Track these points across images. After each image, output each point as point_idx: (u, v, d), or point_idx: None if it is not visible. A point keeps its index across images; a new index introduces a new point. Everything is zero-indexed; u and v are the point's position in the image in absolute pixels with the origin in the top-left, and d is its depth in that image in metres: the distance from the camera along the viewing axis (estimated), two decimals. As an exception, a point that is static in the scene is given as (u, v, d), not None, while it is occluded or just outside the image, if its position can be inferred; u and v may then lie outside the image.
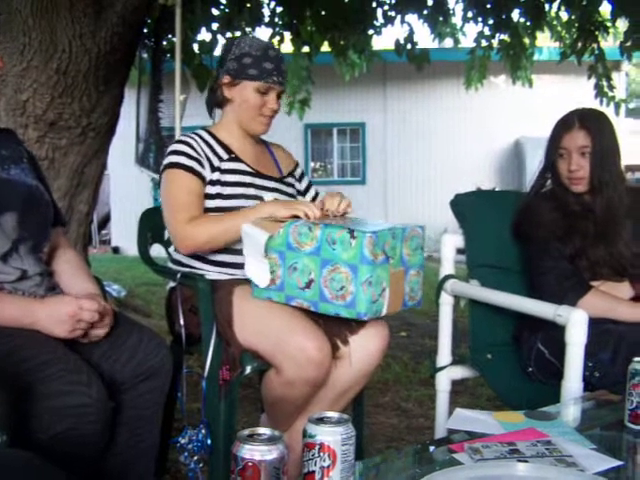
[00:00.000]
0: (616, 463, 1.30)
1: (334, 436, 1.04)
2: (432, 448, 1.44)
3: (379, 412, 3.22)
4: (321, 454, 1.03)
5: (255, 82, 2.14)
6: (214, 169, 2.17)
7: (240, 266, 2.07)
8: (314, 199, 2.40)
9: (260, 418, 2.28)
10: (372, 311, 1.82)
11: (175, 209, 2.11)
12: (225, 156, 2.21)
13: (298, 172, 2.43)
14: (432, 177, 12.48)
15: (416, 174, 12.50)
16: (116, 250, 12.64)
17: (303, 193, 2.41)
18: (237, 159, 2.22)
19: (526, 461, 1.23)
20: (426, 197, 12.21)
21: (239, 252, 2.04)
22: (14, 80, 3.19)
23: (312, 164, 13.28)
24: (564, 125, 2.28)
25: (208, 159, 2.17)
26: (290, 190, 2.32)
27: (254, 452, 0.97)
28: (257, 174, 2.23)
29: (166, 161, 2.17)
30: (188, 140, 2.19)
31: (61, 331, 1.58)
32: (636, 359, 1.53)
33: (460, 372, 2.48)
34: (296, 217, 1.96)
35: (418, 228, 1.97)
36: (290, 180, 2.36)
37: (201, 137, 2.21)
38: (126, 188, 11.77)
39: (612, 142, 2.27)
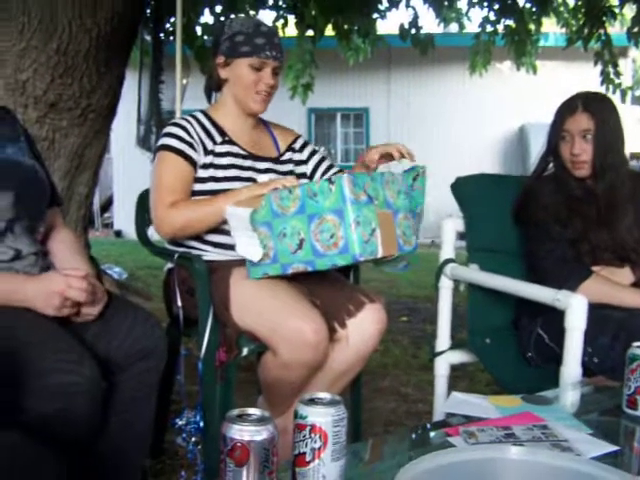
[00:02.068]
0: (612, 448, 1.29)
1: (325, 417, 1.02)
2: (428, 432, 1.43)
3: (378, 396, 3.21)
4: (312, 435, 1.02)
5: (248, 58, 2.12)
6: (207, 152, 2.15)
7: None
8: (326, 172, 2.36)
9: (257, 401, 2.27)
10: (367, 252, 1.78)
11: (159, 191, 2.10)
12: (219, 139, 2.19)
13: (298, 143, 2.38)
14: (435, 163, 12.36)
15: (419, 160, 12.40)
16: (118, 234, 12.63)
17: (306, 161, 2.36)
18: (231, 142, 2.20)
19: (521, 445, 1.22)
20: (429, 183, 12.14)
21: None
22: (13, 60, 3.17)
23: (315, 149, 13.24)
24: (567, 108, 2.25)
25: (202, 142, 2.15)
26: (287, 168, 2.29)
27: (243, 432, 0.95)
28: (250, 156, 2.21)
29: (159, 143, 2.17)
30: (183, 123, 2.18)
31: (49, 309, 1.56)
32: (635, 344, 1.52)
33: (459, 357, 2.46)
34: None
35: (397, 174, 1.96)
36: (288, 156, 2.32)
37: (197, 119, 2.20)
38: (129, 171, 11.74)
39: (616, 126, 2.24)
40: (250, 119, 2.26)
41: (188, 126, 2.16)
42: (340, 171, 2.35)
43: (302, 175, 2.33)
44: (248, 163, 2.19)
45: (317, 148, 2.42)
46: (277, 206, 1.87)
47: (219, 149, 2.17)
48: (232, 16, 5.37)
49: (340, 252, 1.79)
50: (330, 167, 2.39)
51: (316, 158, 2.38)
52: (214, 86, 2.27)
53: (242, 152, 2.20)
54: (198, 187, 2.14)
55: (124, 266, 7.26)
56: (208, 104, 2.35)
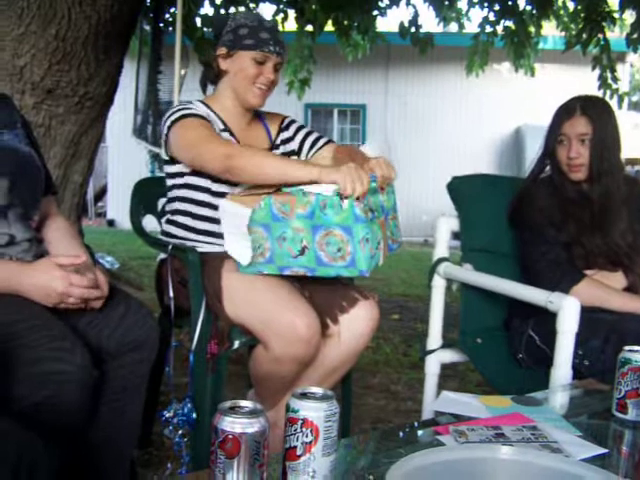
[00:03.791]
0: (601, 451, 1.29)
1: (317, 412, 1.02)
2: (418, 429, 1.43)
3: (368, 393, 3.22)
4: (303, 429, 1.02)
5: (251, 52, 2.10)
6: None
7: None
8: (314, 144, 2.32)
9: (247, 394, 2.27)
10: (372, 266, 1.85)
11: (203, 140, 2.01)
12: (221, 126, 2.18)
13: (286, 122, 2.36)
14: (431, 161, 12.45)
15: (415, 158, 12.45)
16: (111, 223, 12.61)
17: (293, 138, 2.33)
18: (230, 132, 2.19)
19: (511, 445, 1.22)
20: (425, 181, 12.17)
21: None
22: (12, 45, 3.15)
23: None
24: (566, 111, 2.25)
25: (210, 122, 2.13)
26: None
27: (235, 425, 0.95)
28: None
29: (173, 117, 2.08)
30: (189, 104, 2.16)
31: (46, 303, 1.56)
32: (626, 348, 1.52)
33: (450, 356, 2.47)
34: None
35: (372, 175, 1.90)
36: (279, 140, 2.30)
37: (197, 106, 2.18)
38: (124, 161, 11.72)
39: (613, 131, 2.25)
40: (247, 114, 2.25)
41: (196, 105, 2.15)
42: (330, 141, 2.35)
43: (291, 152, 2.32)
44: None
45: (304, 125, 2.41)
46: (277, 210, 1.86)
47: (222, 135, 2.15)
48: (232, 8, 5.36)
49: (347, 266, 1.83)
50: (318, 139, 2.34)
51: (302, 133, 2.35)
52: (212, 77, 2.25)
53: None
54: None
55: (116, 256, 7.25)
56: (204, 96, 2.34)
